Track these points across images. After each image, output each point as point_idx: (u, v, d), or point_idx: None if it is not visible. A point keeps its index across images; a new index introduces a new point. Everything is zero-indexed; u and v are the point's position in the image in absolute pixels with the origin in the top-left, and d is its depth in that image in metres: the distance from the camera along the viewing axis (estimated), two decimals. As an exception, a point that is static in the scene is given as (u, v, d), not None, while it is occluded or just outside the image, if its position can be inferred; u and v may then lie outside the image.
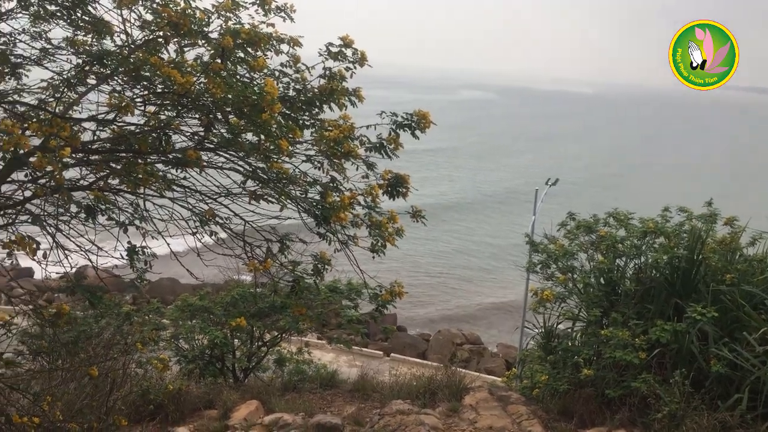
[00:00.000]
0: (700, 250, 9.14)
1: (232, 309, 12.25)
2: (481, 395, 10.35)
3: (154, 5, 5.15)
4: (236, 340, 12.86)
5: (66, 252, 5.21)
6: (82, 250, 5.28)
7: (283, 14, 5.62)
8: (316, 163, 5.55)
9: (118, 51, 5.18)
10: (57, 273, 5.34)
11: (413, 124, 5.66)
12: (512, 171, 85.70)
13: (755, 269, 9.16)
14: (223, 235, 5.41)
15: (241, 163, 5.25)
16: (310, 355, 13.98)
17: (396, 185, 5.69)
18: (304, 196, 5.24)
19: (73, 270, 5.73)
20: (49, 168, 3.97)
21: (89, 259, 5.30)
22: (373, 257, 5.42)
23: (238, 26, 5.20)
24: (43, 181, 4.56)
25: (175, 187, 5.22)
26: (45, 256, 4.89)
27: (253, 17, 5.60)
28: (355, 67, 5.69)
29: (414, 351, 29.22)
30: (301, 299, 5.81)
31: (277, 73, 5.64)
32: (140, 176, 4.68)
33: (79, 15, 5.34)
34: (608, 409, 8.84)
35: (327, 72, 5.66)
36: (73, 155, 4.81)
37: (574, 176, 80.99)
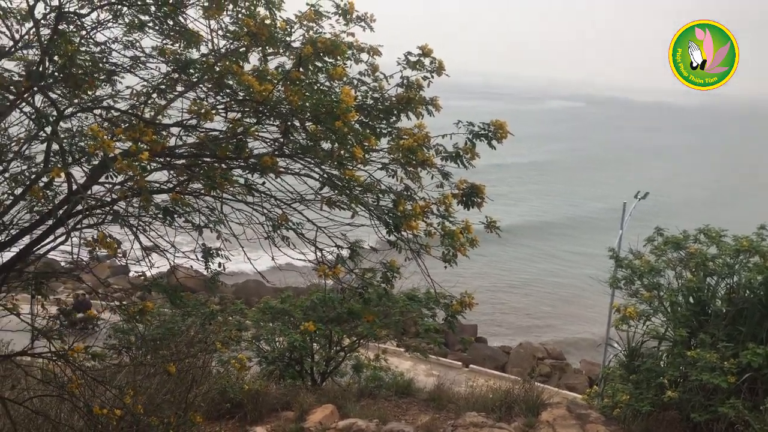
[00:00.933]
0: (799, 271, 8.65)
1: (311, 313, 12.46)
2: (559, 412, 10.11)
3: (239, 15, 5.34)
4: (315, 344, 13.06)
5: (146, 252, 5.43)
6: (161, 251, 5.49)
7: (363, 24, 5.70)
8: (390, 171, 5.58)
9: (203, 60, 5.38)
10: (137, 272, 5.56)
11: (490, 134, 5.59)
12: (602, 187, 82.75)
13: None
14: (295, 240, 5.51)
15: (316, 169, 5.33)
16: (387, 362, 14.02)
17: (471, 195, 5.64)
18: (376, 203, 5.27)
19: (158, 270, 5.99)
20: (129, 172, 4.15)
21: (167, 260, 5.51)
22: (445, 267, 5.39)
23: (316, 36, 5.29)
24: (129, 184, 4.78)
25: (248, 192, 5.36)
26: (125, 255, 5.11)
27: (333, 27, 5.71)
28: (432, 77, 5.68)
29: (493, 363, 28.79)
30: (372, 307, 5.86)
31: (355, 82, 5.71)
32: (217, 180, 4.83)
33: (169, 25, 5.59)
34: (693, 434, 8.47)
35: (405, 81, 5.68)
36: (157, 159, 5.02)
37: (666, 192, 78.02)
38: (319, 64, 5.26)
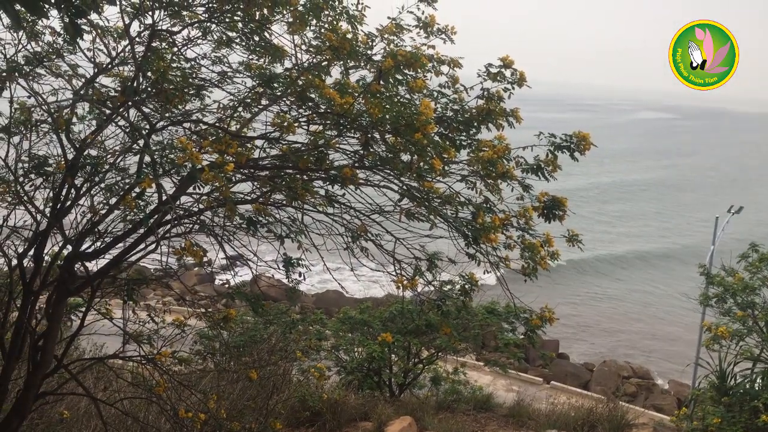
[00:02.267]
0: None
1: (390, 324, 12.50)
2: (645, 433, 9.77)
3: (322, 30, 5.46)
4: (393, 356, 13.08)
5: (230, 260, 5.60)
6: (244, 260, 5.65)
7: (444, 36, 5.72)
8: (469, 183, 5.55)
9: (287, 74, 5.52)
10: (222, 280, 5.72)
11: (572, 145, 5.49)
12: (699, 208, 77.87)
13: None
14: (375, 251, 5.55)
15: (395, 181, 5.37)
16: (466, 375, 13.90)
17: (552, 208, 5.54)
18: (455, 215, 5.25)
19: (242, 279, 6.14)
20: (215, 183, 4.29)
21: (250, 268, 5.66)
22: (525, 281, 5.31)
23: (396, 49, 5.34)
24: (215, 194, 4.95)
25: (329, 203, 5.45)
26: (210, 263, 5.27)
27: (414, 39, 5.75)
28: (513, 88, 5.63)
29: (576, 381, 28.06)
30: (451, 320, 5.81)
31: (435, 94, 5.72)
32: (298, 191, 4.93)
33: (255, 41, 5.76)
34: (791, 463, 8.00)
35: (485, 92, 5.65)
36: (241, 171, 5.17)
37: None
38: (399, 77, 5.29)
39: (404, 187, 5.28)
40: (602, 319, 41.77)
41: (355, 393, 12.20)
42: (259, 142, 5.70)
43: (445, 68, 5.87)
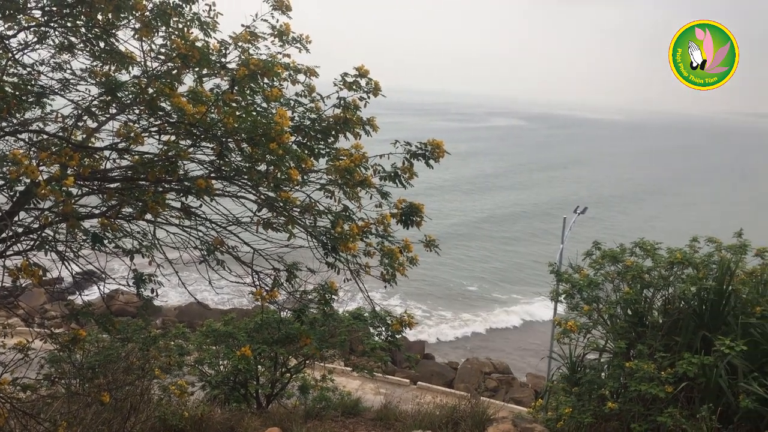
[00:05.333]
0: (729, 281, 8.90)
1: (255, 335, 12.28)
2: (505, 426, 10.15)
3: (173, 37, 5.27)
4: (260, 366, 12.86)
5: (77, 278, 5.28)
6: (91, 277, 5.35)
7: (298, 45, 5.71)
8: (328, 192, 5.57)
9: (136, 82, 5.29)
10: (70, 300, 5.39)
11: (427, 153, 5.64)
12: (543, 198, 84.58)
13: (787, 302, 8.88)
14: (233, 263, 5.44)
15: (253, 191, 5.28)
16: (334, 382, 13.92)
17: (410, 214, 5.67)
18: (314, 224, 5.24)
19: (94, 296, 5.80)
20: (53, 198, 4.04)
21: (97, 286, 5.37)
22: (385, 286, 5.39)
23: (249, 57, 5.27)
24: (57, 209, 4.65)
25: (185, 216, 5.28)
26: (60, 281, 4.95)
27: (269, 48, 5.70)
28: (369, 97, 5.71)
29: (441, 379, 28.89)
30: (318, 327, 5.80)
31: (292, 103, 5.70)
32: (149, 204, 4.73)
33: (101, 46, 5.48)
34: (634, 444, 8.60)
35: (341, 101, 5.69)
36: (86, 184, 4.89)
37: (606, 204, 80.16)
38: (254, 86, 5.22)
39: (262, 198, 5.21)
40: (465, 315, 43.35)
41: (222, 407, 11.87)
42: (112, 154, 5.42)
43: (301, 77, 5.87)
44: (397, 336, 5.75)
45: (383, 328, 6.03)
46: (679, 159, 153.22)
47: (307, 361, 13.20)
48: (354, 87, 5.70)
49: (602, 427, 9.00)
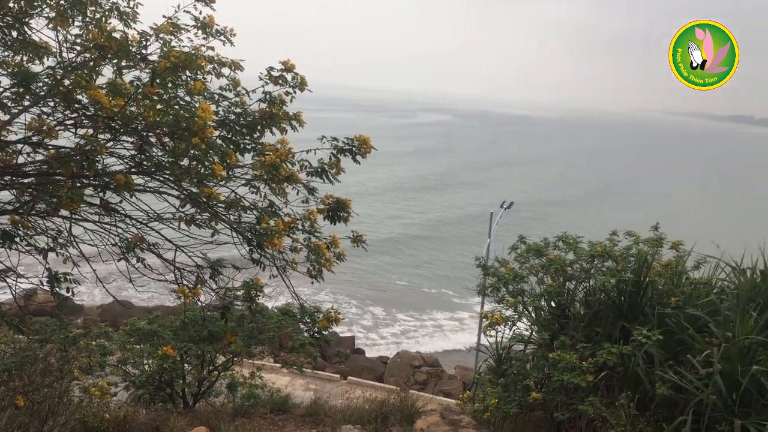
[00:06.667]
0: (646, 273, 9.24)
1: (181, 333, 12.02)
2: (433, 419, 10.28)
3: (90, 27, 5.09)
4: (186, 365, 12.60)
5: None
6: (1, 276, 5.13)
7: (223, 38, 5.61)
8: (253, 187, 5.49)
9: (50, 73, 5.08)
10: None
11: (354, 149, 5.64)
12: (471, 196, 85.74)
13: (700, 292, 9.28)
14: (154, 260, 5.30)
15: (176, 187, 5.16)
16: (262, 379, 13.77)
17: (337, 210, 5.66)
18: (238, 220, 5.17)
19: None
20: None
21: (9, 285, 5.15)
22: (312, 282, 5.37)
23: (170, 49, 5.14)
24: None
25: (105, 212, 5.11)
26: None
27: (192, 40, 5.58)
28: (295, 92, 5.66)
29: (371, 374, 29.01)
30: (246, 323, 5.72)
31: (216, 97, 5.59)
32: (63, 200, 4.56)
33: (13, 36, 5.24)
34: (557, 432, 8.85)
35: (267, 96, 5.62)
36: (-3, 179, 4.69)
37: (534, 200, 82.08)
38: (176, 79, 5.10)
39: (185, 193, 5.09)
40: (394, 311, 43.67)
41: (147, 408, 11.59)
42: (25, 147, 5.19)
43: (226, 70, 5.76)
44: (325, 332, 5.74)
45: (311, 324, 6.01)
46: (623, 157, 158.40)
47: (235, 359, 13.01)
48: (280, 81, 5.63)
49: (527, 417, 9.21)
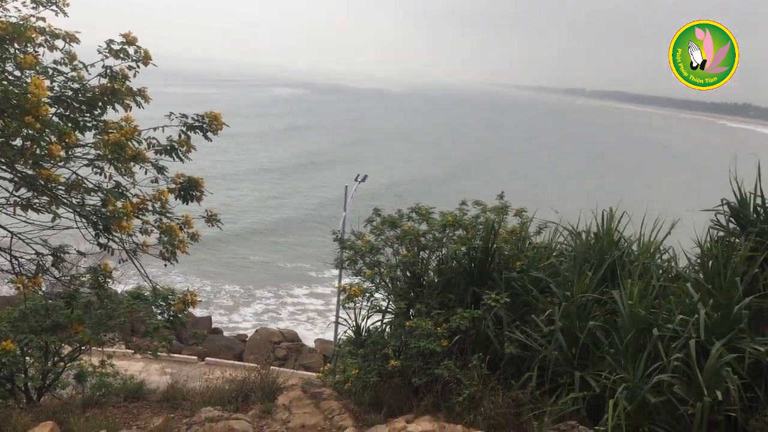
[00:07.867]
0: (493, 240, 9.71)
1: (21, 324, 11.21)
2: (295, 394, 10.30)
3: None
4: (28, 358, 11.78)
5: None
6: None
7: (55, 8, 5.21)
8: (97, 167, 5.19)
9: None
10: None
11: (205, 125, 5.46)
12: (324, 176, 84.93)
13: (541, 256, 9.90)
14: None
15: (8, 170, 4.77)
16: (114, 367, 13.17)
17: (189, 189, 5.48)
18: (82, 203, 4.87)
19: None
20: None
21: None
22: (165, 265, 5.18)
23: (-4, 19, 4.72)
24: None
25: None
26: None
27: (20, 10, 5.14)
28: (138, 66, 5.38)
29: (230, 353, 28.58)
30: (94, 310, 5.42)
31: (50, 71, 5.20)
32: None
33: None
34: (415, 397, 9.14)
35: (108, 71, 5.30)
36: None
37: (391, 174, 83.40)
38: (3, 53, 4.69)
39: (19, 176, 4.72)
40: (251, 288, 43.16)
41: (-16, 406, 10.75)
42: None
43: (60, 43, 5.37)
44: (180, 315, 5.57)
45: (165, 308, 5.81)
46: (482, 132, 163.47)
47: (83, 348, 12.33)
48: (121, 55, 5.33)
49: (386, 384, 9.46)
